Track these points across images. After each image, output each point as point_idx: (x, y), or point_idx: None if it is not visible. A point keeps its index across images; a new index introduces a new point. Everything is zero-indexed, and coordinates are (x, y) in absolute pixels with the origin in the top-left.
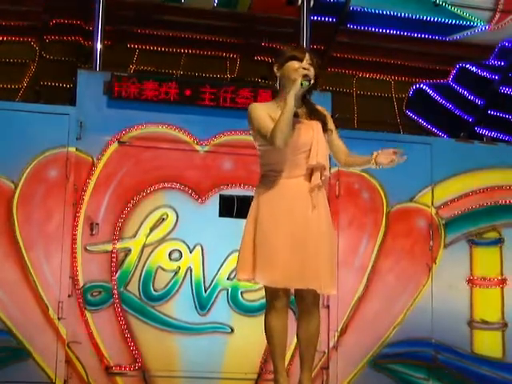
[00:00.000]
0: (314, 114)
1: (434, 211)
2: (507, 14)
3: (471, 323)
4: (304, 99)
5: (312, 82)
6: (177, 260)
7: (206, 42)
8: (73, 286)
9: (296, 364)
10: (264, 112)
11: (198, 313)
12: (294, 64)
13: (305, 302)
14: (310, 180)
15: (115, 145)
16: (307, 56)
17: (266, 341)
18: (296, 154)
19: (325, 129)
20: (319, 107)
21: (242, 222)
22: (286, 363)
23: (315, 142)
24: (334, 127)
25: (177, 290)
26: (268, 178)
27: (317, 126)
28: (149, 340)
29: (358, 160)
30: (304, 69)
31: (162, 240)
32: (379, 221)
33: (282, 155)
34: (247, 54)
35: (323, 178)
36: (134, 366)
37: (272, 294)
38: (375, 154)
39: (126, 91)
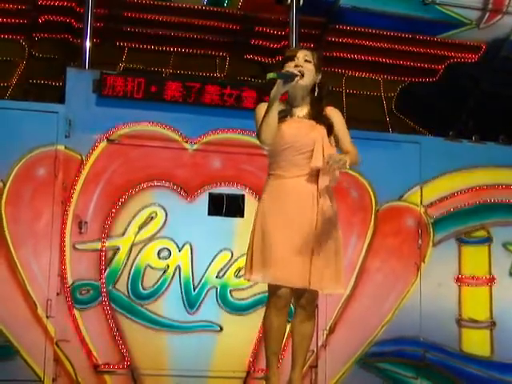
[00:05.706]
0: (319, 117)
1: (422, 210)
2: (496, 13)
3: (459, 322)
4: (314, 101)
5: (297, 74)
6: (166, 258)
7: (196, 41)
8: (61, 284)
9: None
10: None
11: (187, 311)
12: (289, 65)
13: (303, 301)
14: (314, 181)
15: (104, 143)
16: (300, 53)
17: (254, 339)
18: (295, 154)
19: (330, 132)
20: (328, 109)
21: (231, 220)
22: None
23: (318, 144)
24: (342, 121)
25: (165, 289)
26: (272, 178)
27: (321, 129)
28: (137, 338)
29: None
30: (296, 66)
31: (151, 238)
32: (368, 220)
33: (282, 155)
34: (236, 52)
35: (333, 182)
36: (123, 365)
37: (274, 291)
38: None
39: (115, 89)
